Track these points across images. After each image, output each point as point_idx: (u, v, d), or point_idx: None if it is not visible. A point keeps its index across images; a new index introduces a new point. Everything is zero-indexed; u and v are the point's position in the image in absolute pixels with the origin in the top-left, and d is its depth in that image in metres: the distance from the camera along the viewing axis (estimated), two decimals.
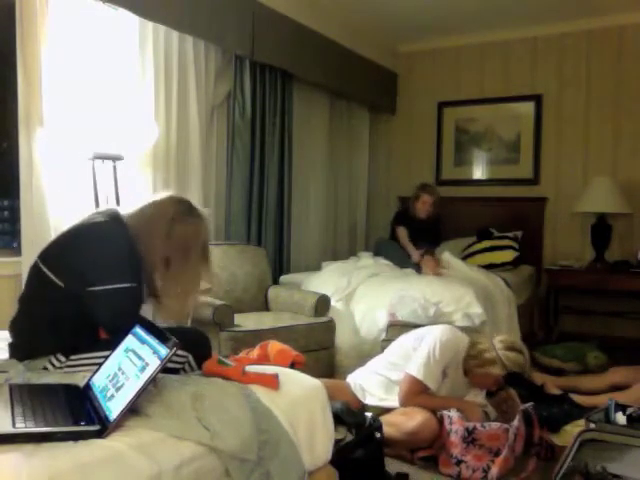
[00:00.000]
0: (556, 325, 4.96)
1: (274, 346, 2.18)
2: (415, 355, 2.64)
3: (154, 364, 1.42)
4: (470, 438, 2.42)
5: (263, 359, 2.13)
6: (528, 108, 5.31)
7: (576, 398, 3.29)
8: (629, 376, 3.43)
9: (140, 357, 1.49)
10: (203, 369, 1.85)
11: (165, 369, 1.64)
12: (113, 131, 3.07)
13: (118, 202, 3.29)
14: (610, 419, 2.56)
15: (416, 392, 2.57)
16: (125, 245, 1.83)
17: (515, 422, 2.46)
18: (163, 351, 1.44)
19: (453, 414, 2.51)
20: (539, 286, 5.12)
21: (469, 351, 2.65)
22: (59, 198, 3.10)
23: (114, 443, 1.32)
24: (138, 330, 1.61)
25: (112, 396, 1.45)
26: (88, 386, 1.60)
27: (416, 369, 2.58)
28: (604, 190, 4.68)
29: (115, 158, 3.21)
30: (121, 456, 1.29)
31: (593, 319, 4.88)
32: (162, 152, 3.70)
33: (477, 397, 2.73)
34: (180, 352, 1.85)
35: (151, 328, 1.58)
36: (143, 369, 1.44)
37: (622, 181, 4.79)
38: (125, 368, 1.51)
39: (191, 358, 1.91)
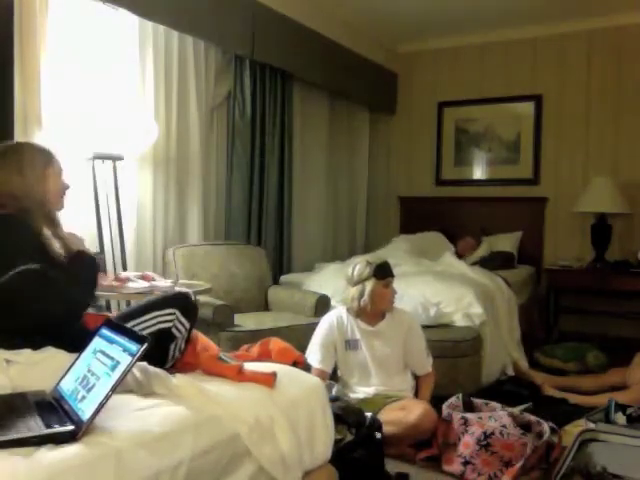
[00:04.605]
0: (556, 325, 4.96)
1: (276, 344, 2.18)
2: None
3: (126, 361, 1.41)
4: (485, 442, 2.41)
5: (264, 356, 2.13)
6: (528, 108, 5.31)
7: (576, 398, 3.29)
8: (629, 376, 3.44)
9: (110, 357, 1.48)
10: (201, 366, 1.86)
11: (156, 331, 1.78)
12: (113, 131, 3.07)
13: (118, 202, 3.29)
14: (610, 419, 2.56)
15: (317, 376, 2.55)
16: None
17: (536, 441, 2.42)
18: (134, 347, 1.42)
19: (469, 416, 2.51)
20: (539, 286, 5.12)
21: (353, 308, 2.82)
22: None
23: (113, 442, 1.32)
24: (105, 331, 1.59)
25: (83, 397, 1.43)
26: (56, 391, 1.58)
27: (307, 355, 2.83)
28: (604, 190, 4.68)
29: (115, 158, 3.21)
30: (120, 455, 1.29)
31: (593, 319, 4.87)
32: (162, 152, 3.70)
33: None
34: (167, 310, 1.88)
35: (119, 328, 1.56)
36: (114, 367, 1.42)
37: (622, 181, 4.79)
38: (95, 369, 1.49)
39: (179, 313, 1.90)
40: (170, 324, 1.88)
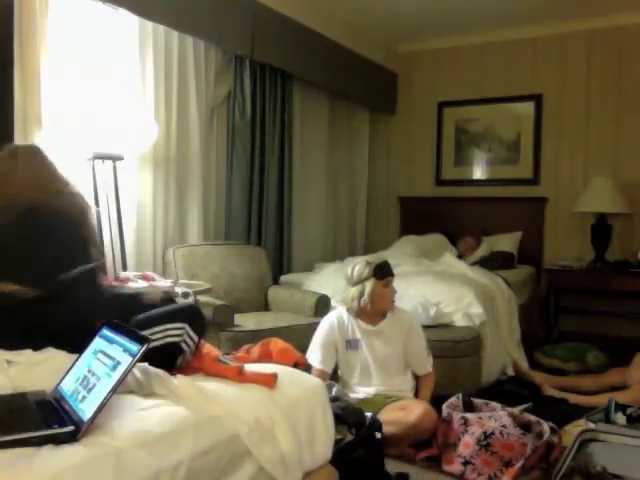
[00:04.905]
0: (556, 325, 4.96)
1: (276, 344, 2.18)
2: None
3: (126, 361, 1.41)
4: (485, 442, 2.41)
5: (265, 356, 2.13)
6: (528, 108, 5.31)
7: (576, 398, 3.29)
8: (629, 376, 3.43)
9: (110, 357, 1.48)
10: (201, 367, 1.86)
11: (165, 344, 1.78)
12: (113, 131, 3.07)
13: (118, 202, 3.29)
14: (610, 419, 2.56)
15: (317, 376, 2.51)
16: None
17: (537, 440, 2.42)
18: (135, 348, 1.43)
19: (469, 416, 2.51)
20: (539, 286, 5.12)
21: (354, 308, 2.83)
22: None
23: (113, 442, 1.32)
24: (106, 331, 1.59)
25: (84, 398, 1.43)
26: (56, 391, 1.57)
27: (308, 356, 2.83)
28: (604, 190, 4.68)
29: (115, 158, 3.21)
30: (120, 455, 1.29)
31: (593, 319, 4.87)
32: (162, 152, 3.70)
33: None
34: (177, 324, 1.89)
35: (120, 328, 1.56)
36: (115, 367, 1.42)
37: (622, 181, 4.79)
38: (95, 369, 1.49)
39: (188, 328, 1.91)
40: (179, 338, 1.88)
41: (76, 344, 1.72)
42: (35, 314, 1.75)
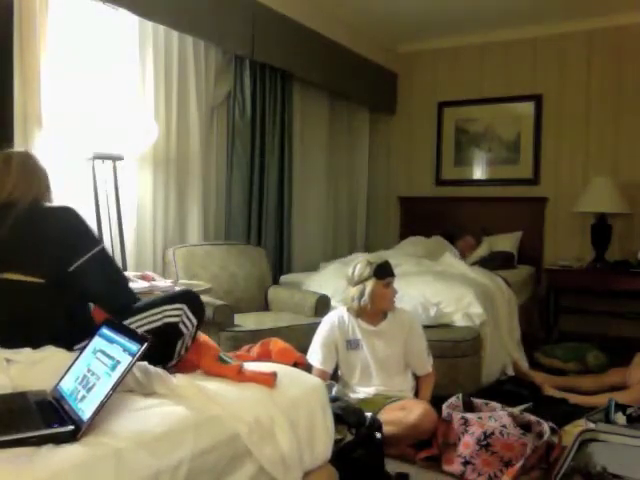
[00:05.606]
0: (556, 325, 4.96)
1: (276, 344, 2.19)
2: None
3: (126, 361, 1.42)
4: (485, 442, 2.40)
5: (265, 356, 2.13)
6: (528, 108, 5.31)
7: (576, 398, 3.29)
8: (629, 376, 3.43)
9: (110, 356, 1.48)
10: (201, 367, 1.86)
11: (164, 326, 1.84)
12: (113, 131, 3.07)
13: (118, 202, 3.29)
14: (610, 419, 2.56)
15: (318, 376, 2.48)
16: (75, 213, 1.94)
17: (537, 440, 2.42)
18: (134, 347, 1.43)
19: (469, 416, 2.51)
20: (539, 286, 5.12)
21: (354, 308, 2.82)
22: (59, 198, 3.07)
23: (113, 442, 1.32)
24: (105, 331, 1.60)
25: (83, 397, 1.43)
26: (56, 391, 1.58)
27: (308, 356, 2.82)
28: (604, 190, 4.68)
29: (115, 158, 3.21)
30: (120, 455, 1.29)
31: (593, 319, 4.87)
32: (162, 152, 3.70)
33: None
34: (175, 305, 1.92)
35: (119, 327, 1.57)
36: (114, 367, 1.43)
37: (622, 181, 4.79)
38: (95, 369, 1.50)
39: (186, 309, 1.93)
40: (178, 319, 1.90)
41: (75, 338, 1.73)
42: (40, 300, 1.78)
